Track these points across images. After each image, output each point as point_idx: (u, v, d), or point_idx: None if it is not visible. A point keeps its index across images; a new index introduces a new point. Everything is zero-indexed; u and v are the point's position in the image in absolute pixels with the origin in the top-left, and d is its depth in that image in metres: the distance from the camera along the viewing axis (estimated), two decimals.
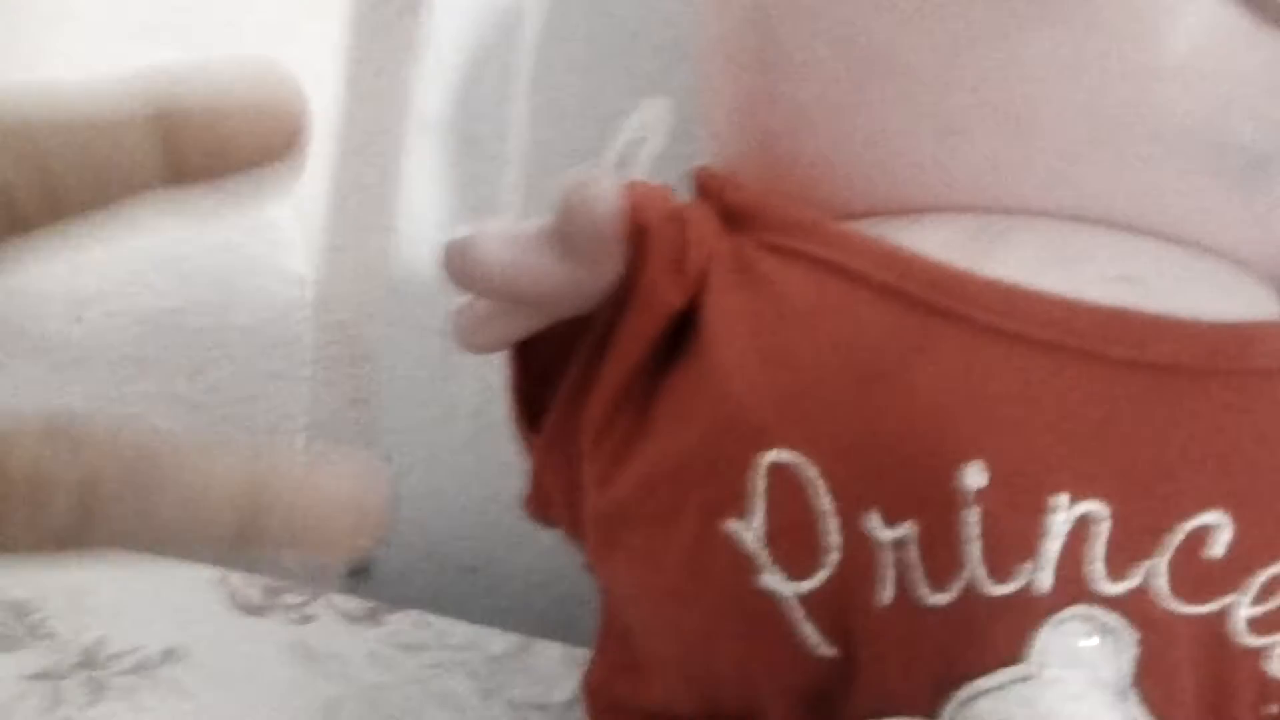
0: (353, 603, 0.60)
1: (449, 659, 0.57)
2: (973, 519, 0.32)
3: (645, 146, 0.61)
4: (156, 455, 0.22)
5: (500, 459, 0.66)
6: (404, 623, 0.59)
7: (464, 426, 0.66)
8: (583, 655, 0.57)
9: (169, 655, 0.52)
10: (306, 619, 0.58)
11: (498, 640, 0.58)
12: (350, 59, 0.61)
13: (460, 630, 0.59)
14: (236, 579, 0.59)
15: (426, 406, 0.66)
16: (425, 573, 0.68)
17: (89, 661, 0.51)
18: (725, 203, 0.40)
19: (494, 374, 0.65)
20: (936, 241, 0.36)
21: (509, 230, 0.36)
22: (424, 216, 0.63)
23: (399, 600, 0.61)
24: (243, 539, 0.23)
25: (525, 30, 0.61)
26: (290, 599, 0.59)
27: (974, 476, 0.32)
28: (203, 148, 0.21)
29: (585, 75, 0.61)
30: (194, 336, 0.65)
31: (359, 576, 0.67)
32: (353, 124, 0.62)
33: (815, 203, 0.39)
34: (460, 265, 0.36)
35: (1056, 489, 0.33)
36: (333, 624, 0.58)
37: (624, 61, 0.60)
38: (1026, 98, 0.36)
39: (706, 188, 0.42)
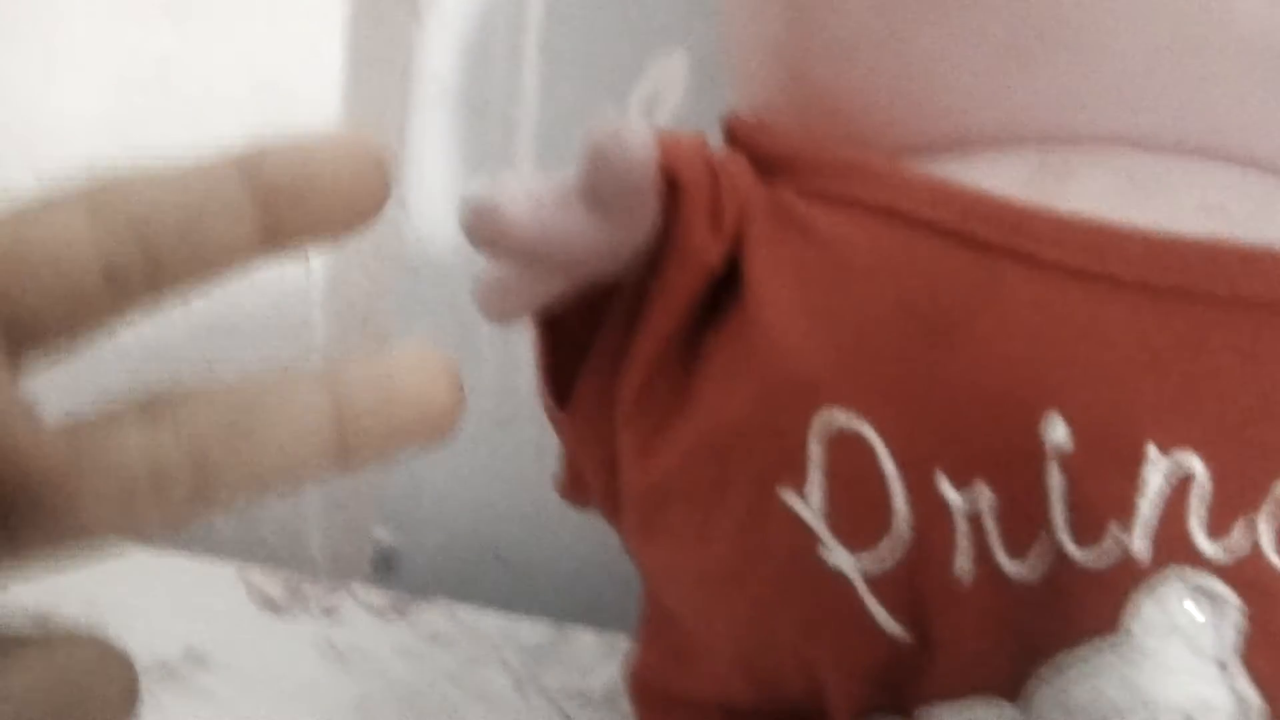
0: (376, 595, 0.57)
1: (481, 651, 0.54)
2: (1056, 478, 0.30)
3: (662, 102, 0.59)
4: (248, 402, 0.22)
5: (524, 441, 0.64)
6: (432, 614, 0.56)
7: (485, 408, 0.63)
8: (620, 642, 0.55)
9: (191, 657, 0.50)
10: (330, 614, 0.55)
11: (529, 629, 0.56)
12: (354, 29, 0.58)
13: (490, 621, 0.56)
14: (255, 574, 0.57)
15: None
16: (450, 561, 0.65)
17: None
18: (759, 149, 0.37)
19: (517, 352, 0.62)
20: (996, 177, 0.33)
21: (532, 186, 0.33)
22: (435, 189, 0.61)
23: (424, 590, 0.59)
24: (344, 453, 0.23)
25: None
26: (312, 594, 0.56)
27: (1056, 431, 0.30)
28: (297, 217, 0.22)
29: (596, 34, 0.58)
30: (203, 323, 0.63)
31: (383, 567, 0.65)
32: (358, 96, 0.59)
33: (855, 143, 0.36)
34: (482, 226, 0.32)
35: (1148, 441, 0.30)
36: (357, 618, 0.56)
37: (635, 18, 0.58)
38: (1096, 12, 0.32)
39: (737, 135, 0.40)
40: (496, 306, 0.36)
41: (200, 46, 0.60)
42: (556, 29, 0.58)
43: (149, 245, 0.21)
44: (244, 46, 0.59)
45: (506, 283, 0.35)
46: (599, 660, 0.54)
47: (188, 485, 0.22)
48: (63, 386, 0.61)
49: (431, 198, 0.61)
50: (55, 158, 0.61)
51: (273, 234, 0.22)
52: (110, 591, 0.52)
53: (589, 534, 0.63)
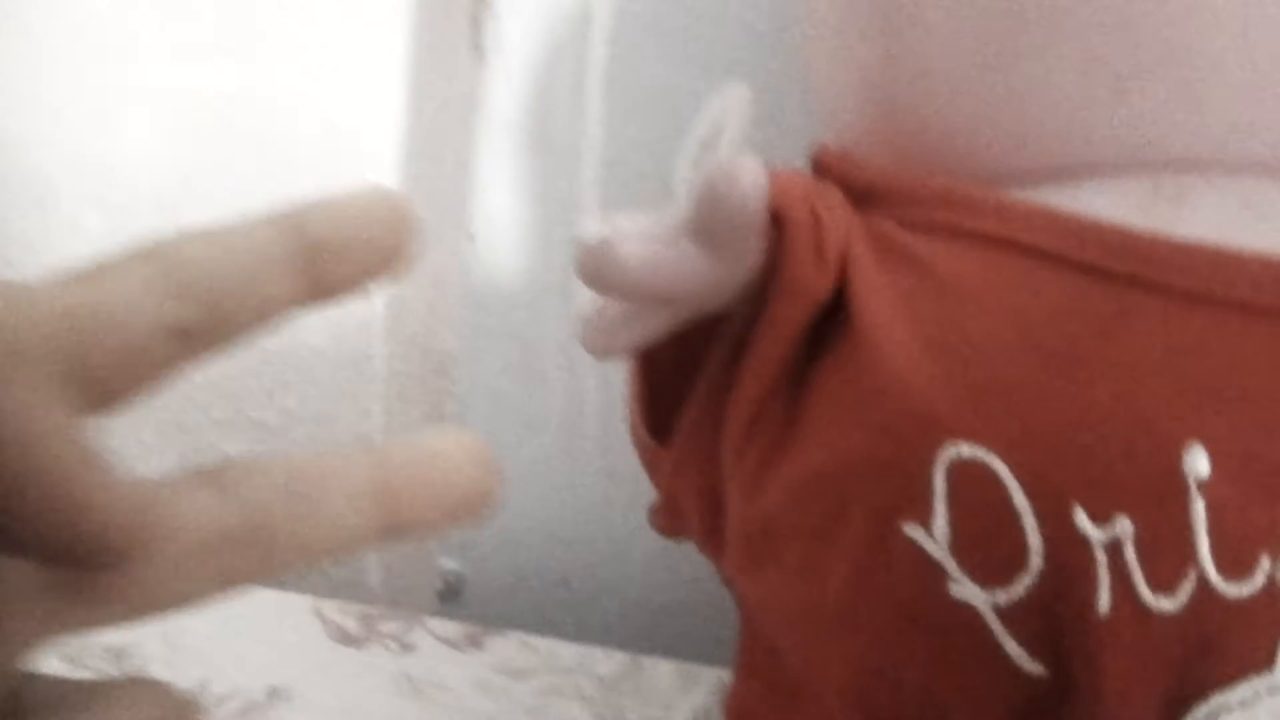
0: (449, 627, 0.57)
1: (559, 683, 0.54)
2: (1199, 508, 0.29)
3: (725, 135, 0.59)
4: (306, 477, 0.24)
5: (590, 469, 0.64)
6: (506, 646, 0.56)
7: (549, 437, 0.63)
8: (696, 673, 0.55)
9: (275, 694, 0.50)
10: (406, 648, 0.55)
11: (604, 660, 0.56)
12: (416, 69, 0.59)
13: (565, 651, 0.56)
14: (330, 608, 0.57)
15: (509, 418, 0.64)
16: (517, 591, 0.65)
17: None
18: (852, 181, 0.37)
19: (579, 381, 0.63)
20: (1107, 205, 0.33)
21: (646, 226, 0.33)
22: (500, 221, 0.61)
23: (491, 620, 0.59)
24: (390, 530, 0.24)
25: (595, 24, 0.58)
26: (386, 627, 0.57)
27: (1198, 462, 0.29)
28: (337, 271, 0.24)
29: (659, 67, 0.58)
30: (268, 357, 0.63)
31: (451, 597, 0.65)
32: (420, 134, 0.60)
33: (951, 174, 0.36)
34: (598, 266, 0.33)
35: None
36: (433, 651, 0.56)
37: (698, 50, 0.58)
38: (1204, 43, 0.32)
39: (826, 166, 0.39)
40: (602, 342, 0.36)
41: (265, 87, 0.60)
42: (619, 64, 0.58)
43: (210, 302, 0.22)
44: (308, 87, 0.60)
45: (613, 319, 0.36)
46: (678, 691, 0.54)
47: (249, 552, 0.23)
48: (133, 419, 0.61)
49: (497, 231, 0.61)
50: (119, 194, 0.62)
51: (316, 287, 0.24)
52: (186, 625, 0.52)
53: (655, 563, 0.63)
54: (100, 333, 0.21)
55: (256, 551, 0.23)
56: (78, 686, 0.22)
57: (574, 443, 0.63)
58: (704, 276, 0.33)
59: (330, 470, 0.24)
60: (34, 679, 0.22)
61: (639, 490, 0.42)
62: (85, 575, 0.22)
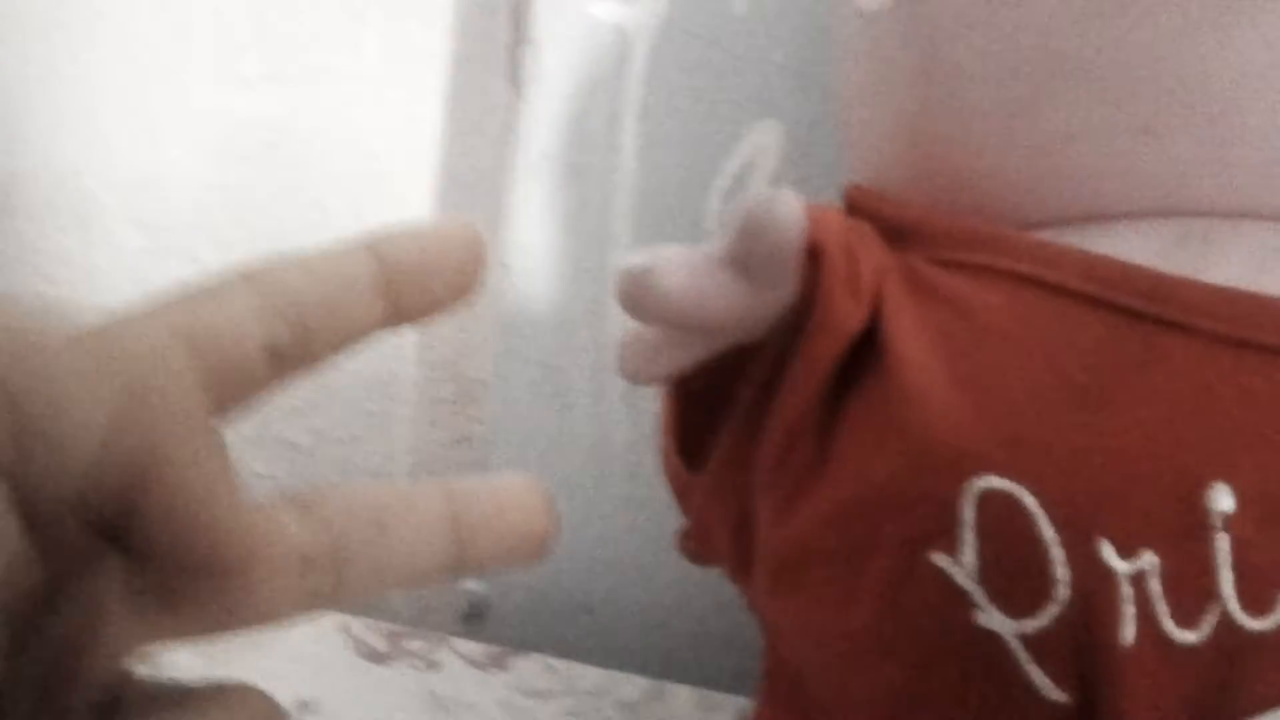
0: (474, 647, 0.58)
1: (581, 706, 0.55)
2: (1224, 546, 0.30)
3: (757, 170, 0.60)
4: (384, 507, 0.25)
5: (615, 494, 0.65)
6: (530, 668, 0.57)
7: (576, 463, 0.64)
8: (717, 700, 0.56)
9: (304, 708, 0.51)
10: (432, 666, 0.56)
11: (627, 685, 0.57)
12: (454, 100, 0.60)
13: (589, 674, 0.57)
14: (358, 625, 0.58)
15: (536, 443, 0.65)
16: (540, 614, 0.66)
17: None
18: (885, 219, 0.38)
19: (606, 409, 0.64)
20: (1137, 249, 0.34)
21: (687, 256, 0.34)
22: (532, 250, 0.62)
23: (516, 642, 0.60)
24: (457, 565, 0.26)
25: (632, 60, 0.60)
26: (412, 645, 0.57)
27: (1222, 500, 0.30)
28: (417, 297, 0.25)
29: (694, 103, 0.60)
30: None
31: (475, 618, 0.66)
32: (459, 159, 0.61)
33: (984, 215, 0.37)
34: (640, 294, 0.34)
35: None
36: (458, 670, 0.56)
37: (731, 87, 0.59)
38: (1232, 94, 0.33)
39: (860, 205, 0.40)
40: (639, 369, 0.37)
41: (307, 115, 0.61)
42: (654, 99, 0.60)
43: (304, 325, 0.23)
44: (348, 115, 0.61)
45: (651, 347, 0.37)
46: (699, 718, 0.55)
47: (328, 576, 0.24)
48: None
49: (530, 260, 0.62)
50: (162, 214, 0.63)
51: (396, 312, 0.25)
52: (219, 643, 0.53)
53: (679, 589, 0.64)
54: (213, 353, 0.22)
55: (334, 577, 0.24)
56: (175, 688, 0.23)
57: (600, 469, 0.64)
58: (741, 307, 0.34)
59: (409, 504, 0.25)
60: (132, 680, 0.23)
61: (664, 517, 0.43)
62: (185, 586, 0.22)
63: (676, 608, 0.64)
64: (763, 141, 0.60)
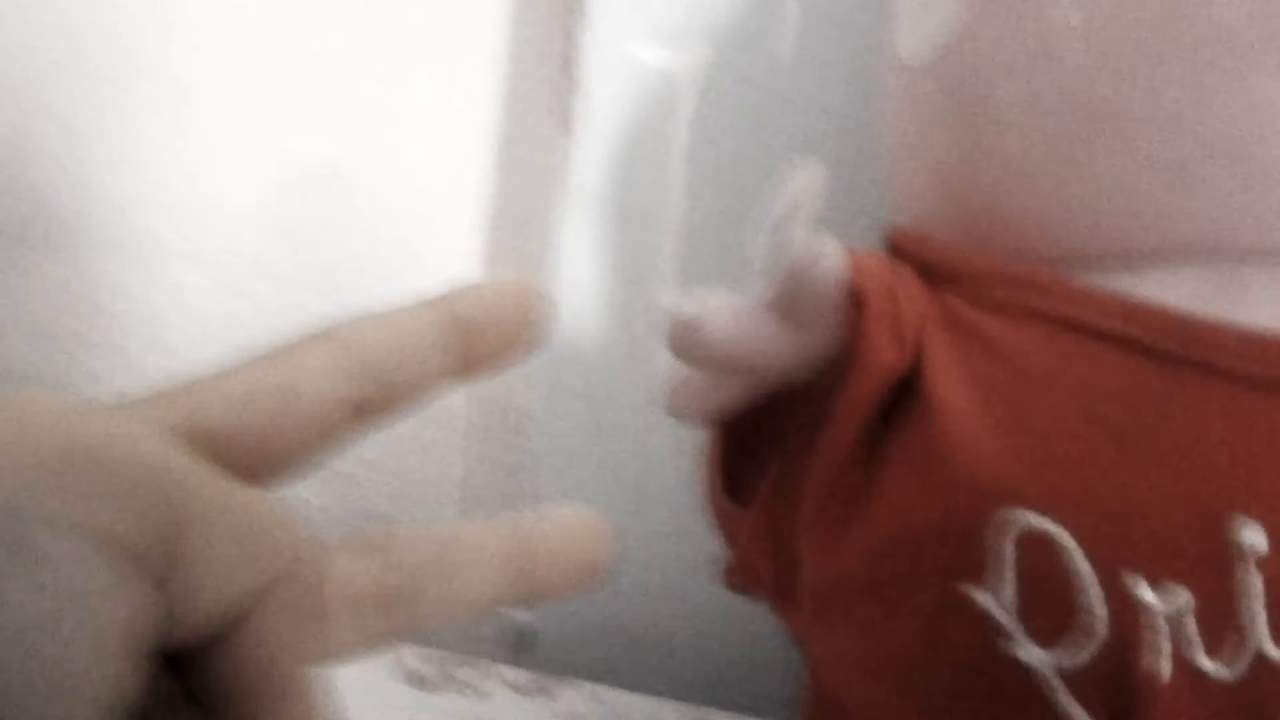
0: (521, 675, 0.59)
1: None
2: (1255, 582, 0.31)
3: (800, 210, 0.61)
4: (452, 543, 0.26)
5: (661, 525, 0.66)
6: (576, 696, 0.58)
7: (622, 495, 0.66)
8: None
9: None
10: (479, 694, 0.57)
11: (671, 714, 0.58)
12: (505, 139, 0.62)
13: (635, 703, 0.58)
14: (407, 653, 0.59)
15: (582, 475, 0.66)
16: (588, 643, 0.67)
17: None
18: (927, 261, 0.39)
19: (651, 441, 0.65)
20: (1169, 291, 0.35)
21: (733, 303, 0.35)
22: (581, 287, 0.64)
23: (563, 671, 0.61)
24: (521, 595, 0.27)
25: (680, 101, 0.61)
26: (460, 673, 0.59)
27: (1252, 537, 0.31)
28: (485, 350, 0.26)
29: (738, 144, 0.61)
30: None
31: (524, 647, 0.67)
32: (508, 198, 0.62)
33: (1021, 257, 0.38)
34: (688, 341, 0.35)
35: None
36: (505, 698, 0.58)
37: (775, 129, 0.60)
38: (1257, 144, 0.34)
39: (901, 248, 0.42)
40: (686, 408, 0.38)
41: (357, 153, 0.63)
42: (701, 139, 0.61)
43: (386, 379, 0.25)
44: (401, 154, 0.62)
45: (697, 387, 0.38)
46: None
47: (397, 612, 0.25)
48: None
49: (578, 296, 0.64)
50: (220, 253, 0.65)
51: (469, 363, 0.26)
52: None
53: (723, 620, 0.65)
54: (288, 408, 0.24)
55: (404, 611, 0.25)
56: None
57: (645, 501, 0.65)
58: (786, 351, 0.36)
59: (476, 540, 0.26)
60: None
61: (707, 548, 0.44)
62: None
63: (721, 636, 0.66)
64: (805, 182, 0.62)
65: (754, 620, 0.60)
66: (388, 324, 0.25)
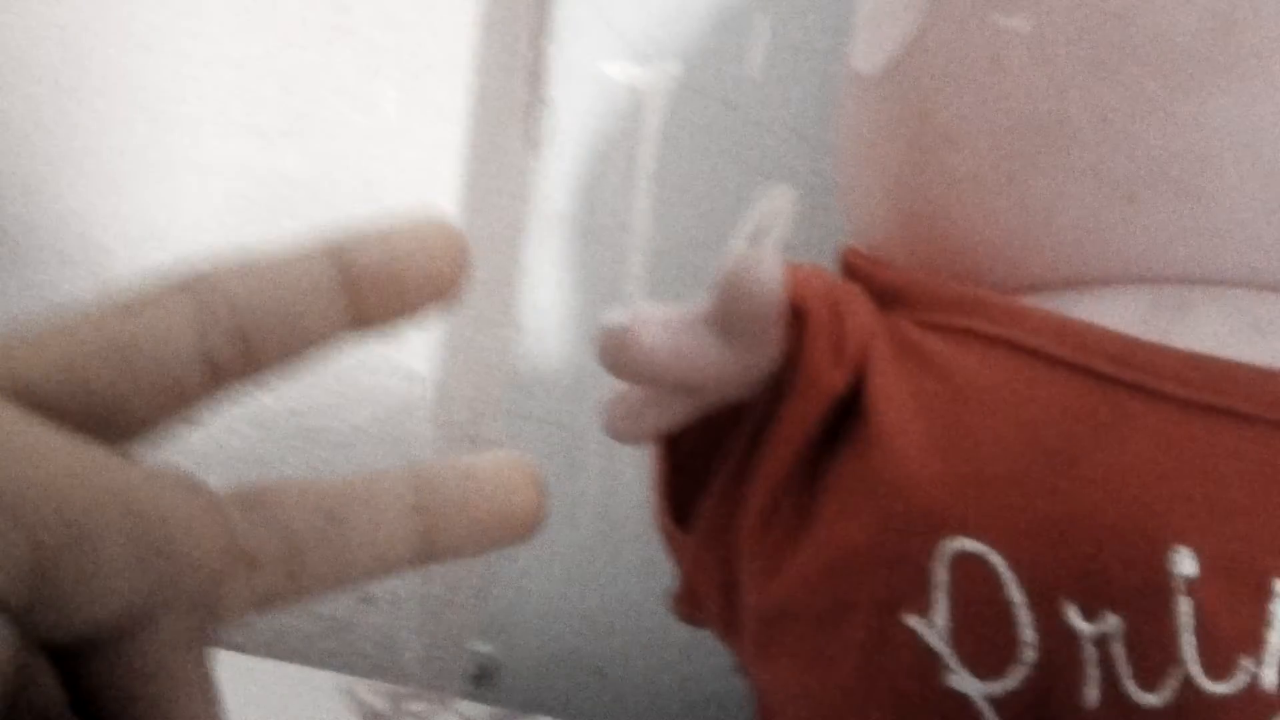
0: (479, 709, 0.58)
1: None
2: (1186, 610, 0.30)
3: (768, 232, 0.60)
4: (339, 496, 0.23)
5: (626, 556, 0.65)
6: None
7: (588, 524, 0.64)
8: None
9: None
10: None
11: None
12: (471, 158, 0.61)
13: None
14: (361, 687, 0.58)
15: (548, 504, 0.65)
16: (551, 676, 0.66)
17: None
18: (877, 282, 0.38)
19: (618, 470, 0.64)
20: (1113, 315, 0.34)
21: (666, 314, 0.34)
22: (546, 311, 0.62)
23: (524, 705, 0.59)
24: (427, 552, 0.24)
25: (646, 122, 0.60)
26: (415, 707, 0.57)
27: (1185, 564, 0.30)
28: (384, 300, 0.23)
29: (707, 166, 0.60)
30: (312, 437, 0.64)
31: (484, 681, 0.65)
32: (473, 219, 0.61)
33: (970, 279, 0.37)
34: (619, 352, 0.34)
35: (1274, 576, 0.30)
36: None
37: (744, 150, 0.59)
38: (1204, 163, 0.33)
39: (854, 268, 0.41)
40: (624, 428, 0.37)
41: (321, 169, 0.62)
42: (668, 160, 0.60)
43: (247, 333, 0.22)
44: (364, 171, 0.61)
45: (635, 406, 0.37)
46: None
47: (281, 572, 0.23)
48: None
49: (543, 320, 0.62)
50: (168, 265, 0.64)
51: (361, 317, 0.23)
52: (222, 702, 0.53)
53: (689, 651, 0.64)
54: (128, 367, 0.21)
55: (286, 574, 0.23)
56: None
57: (611, 530, 0.64)
58: (723, 365, 0.34)
59: (367, 493, 0.23)
60: None
61: (672, 579, 0.43)
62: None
63: (687, 670, 0.64)
64: (775, 204, 0.60)
65: (718, 654, 0.58)
66: (258, 274, 0.22)
